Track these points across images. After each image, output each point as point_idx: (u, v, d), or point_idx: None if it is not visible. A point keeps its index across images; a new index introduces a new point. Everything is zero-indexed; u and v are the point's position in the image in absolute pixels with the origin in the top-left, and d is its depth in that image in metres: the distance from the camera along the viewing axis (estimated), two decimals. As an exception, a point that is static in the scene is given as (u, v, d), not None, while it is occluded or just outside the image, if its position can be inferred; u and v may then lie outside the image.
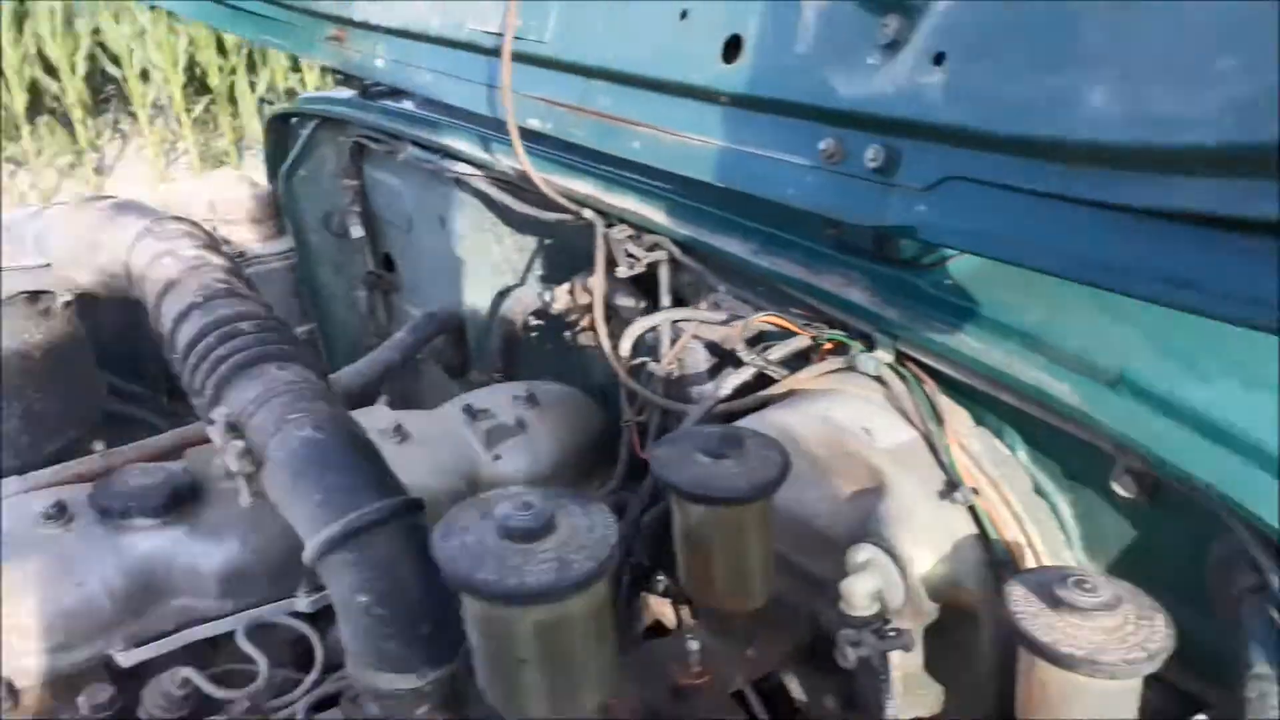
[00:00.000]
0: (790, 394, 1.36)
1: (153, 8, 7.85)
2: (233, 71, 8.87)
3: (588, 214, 1.71)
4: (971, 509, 1.18)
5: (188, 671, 1.47)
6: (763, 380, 1.42)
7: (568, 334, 1.98)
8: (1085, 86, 0.82)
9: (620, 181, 1.66)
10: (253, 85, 8.99)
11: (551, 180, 1.72)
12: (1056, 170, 0.88)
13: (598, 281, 1.69)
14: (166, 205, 2.13)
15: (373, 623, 1.30)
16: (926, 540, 1.16)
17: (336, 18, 2.22)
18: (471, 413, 1.90)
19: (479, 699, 1.42)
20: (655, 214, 1.58)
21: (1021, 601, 1.01)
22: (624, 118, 1.48)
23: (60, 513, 1.59)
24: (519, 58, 1.63)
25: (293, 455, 1.40)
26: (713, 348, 1.52)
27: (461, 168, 2.04)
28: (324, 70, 8.93)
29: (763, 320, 1.39)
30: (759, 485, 1.11)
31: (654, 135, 1.41)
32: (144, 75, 8.62)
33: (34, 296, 2.12)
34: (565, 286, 1.89)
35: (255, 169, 8.54)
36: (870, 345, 1.28)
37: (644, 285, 1.73)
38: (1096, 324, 1.13)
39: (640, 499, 1.56)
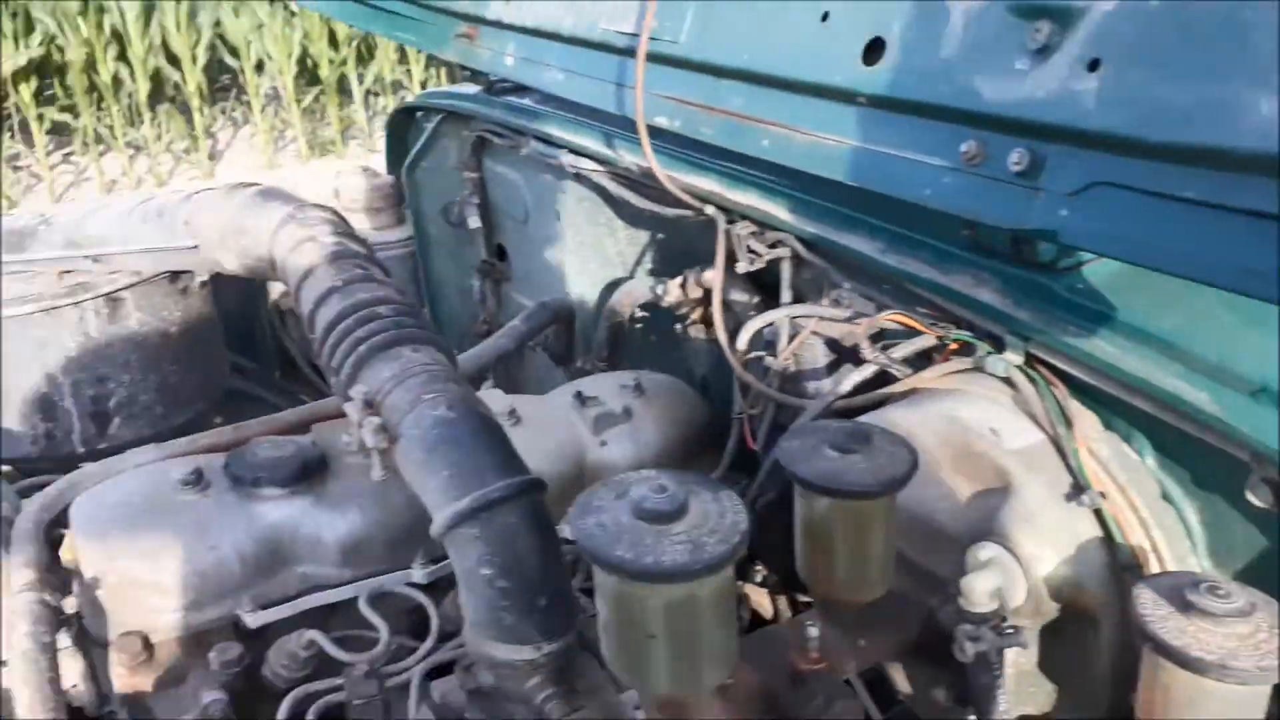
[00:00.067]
0: (911, 392, 1.37)
1: (287, 7, 8.14)
2: (343, 63, 9.14)
3: (709, 210, 1.74)
4: (1097, 512, 1.18)
5: (313, 633, 1.55)
6: (881, 378, 1.43)
7: (677, 327, 2.02)
8: (1252, 94, 0.82)
9: (743, 178, 1.69)
10: (360, 77, 9.25)
11: (675, 177, 1.76)
12: (1215, 178, 0.88)
13: (717, 276, 1.72)
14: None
15: (494, 595, 1.35)
16: (1051, 541, 1.16)
17: (469, 16, 2.30)
18: (581, 399, 1.94)
19: (588, 674, 1.48)
20: (779, 211, 1.60)
21: (1150, 605, 1.01)
22: (755, 117, 1.50)
23: (198, 480, 1.67)
24: (651, 58, 1.67)
25: (425, 433, 1.46)
26: (832, 344, 1.54)
27: (582, 163, 2.10)
28: (428, 64, 9.16)
29: (888, 318, 1.40)
30: (886, 481, 1.13)
31: (786, 134, 1.44)
32: (259, 66, 8.95)
33: (174, 276, 2.23)
34: (677, 280, 1.93)
35: (360, 158, 8.80)
36: (999, 347, 1.29)
37: (758, 281, 1.76)
38: (1237, 333, 1.12)
39: (752, 490, 1.59)
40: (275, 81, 9.05)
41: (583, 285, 2.42)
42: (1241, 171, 0.86)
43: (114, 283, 2.16)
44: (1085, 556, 1.16)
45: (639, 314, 2.22)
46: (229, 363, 2.61)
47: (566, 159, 2.13)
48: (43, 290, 2.14)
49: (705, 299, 1.93)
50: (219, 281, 2.37)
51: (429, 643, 1.56)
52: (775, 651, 1.19)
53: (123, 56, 8.54)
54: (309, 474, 1.69)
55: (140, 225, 2.07)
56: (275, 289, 2.94)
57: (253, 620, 1.59)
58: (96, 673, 1.58)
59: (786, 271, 1.64)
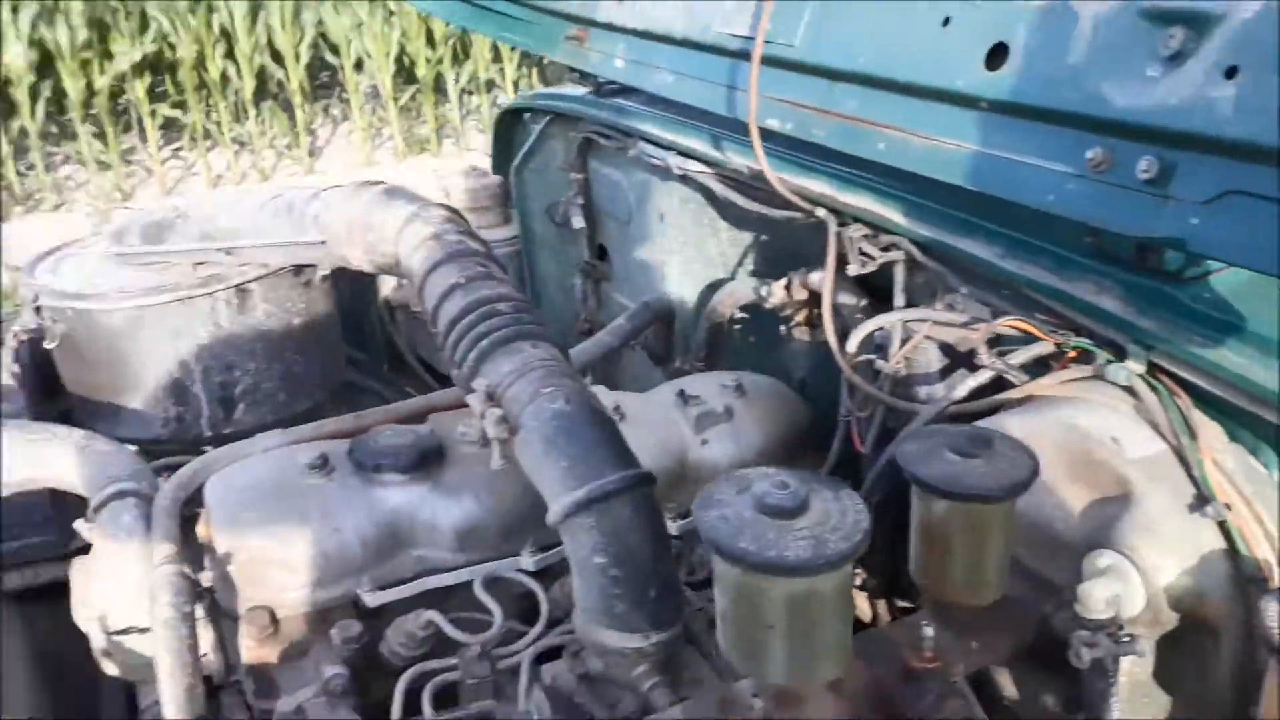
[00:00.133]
0: (1027, 399, 1.37)
1: (386, 6, 8.34)
2: (439, 62, 9.33)
3: (820, 212, 1.75)
4: (1221, 524, 1.17)
5: (432, 614, 1.61)
6: (996, 384, 1.44)
7: (781, 328, 2.03)
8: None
9: (856, 181, 1.69)
10: (455, 76, 9.43)
11: (785, 179, 1.77)
12: (1361, 189, 0.87)
13: (828, 278, 1.73)
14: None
15: (607, 583, 1.39)
16: (1173, 551, 1.16)
17: (580, 18, 2.34)
18: (683, 398, 1.97)
19: (692, 666, 1.51)
20: (893, 214, 1.61)
21: (1278, 618, 1.00)
22: (871, 120, 1.52)
23: (324, 464, 1.74)
24: (764, 60, 1.69)
25: (544, 425, 1.51)
26: (945, 349, 1.54)
27: (689, 164, 2.12)
28: (520, 63, 9.29)
29: (1006, 324, 1.40)
30: (1007, 486, 1.14)
31: (903, 138, 1.45)
32: (358, 65, 9.18)
33: (299, 270, 2.33)
34: (782, 282, 1.95)
35: (453, 156, 8.97)
36: (1120, 355, 1.28)
37: (866, 284, 1.77)
38: (1373, 346, 1.10)
39: (861, 493, 1.60)
40: (374, 80, 9.28)
41: (683, 286, 2.46)
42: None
43: (244, 275, 2.26)
44: (1208, 568, 1.16)
45: (738, 315, 2.24)
46: (345, 355, 2.71)
47: (673, 160, 2.16)
48: (178, 281, 2.25)
49: (810, 301, 1.94)
50: (334, 277, 2.46)
51: (538, 627, 1.61)
52: (887, 650, 1.21)
53: (230, 54, 8.86)
54: (427, 462, 1.76)
55: (271, 220, 2.17)
56: (385, 285, 3.03)
57: (371, 600, 1.66)
58: (225, 644, 1.67)
59: (900, 275, 1.65)
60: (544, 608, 1.63)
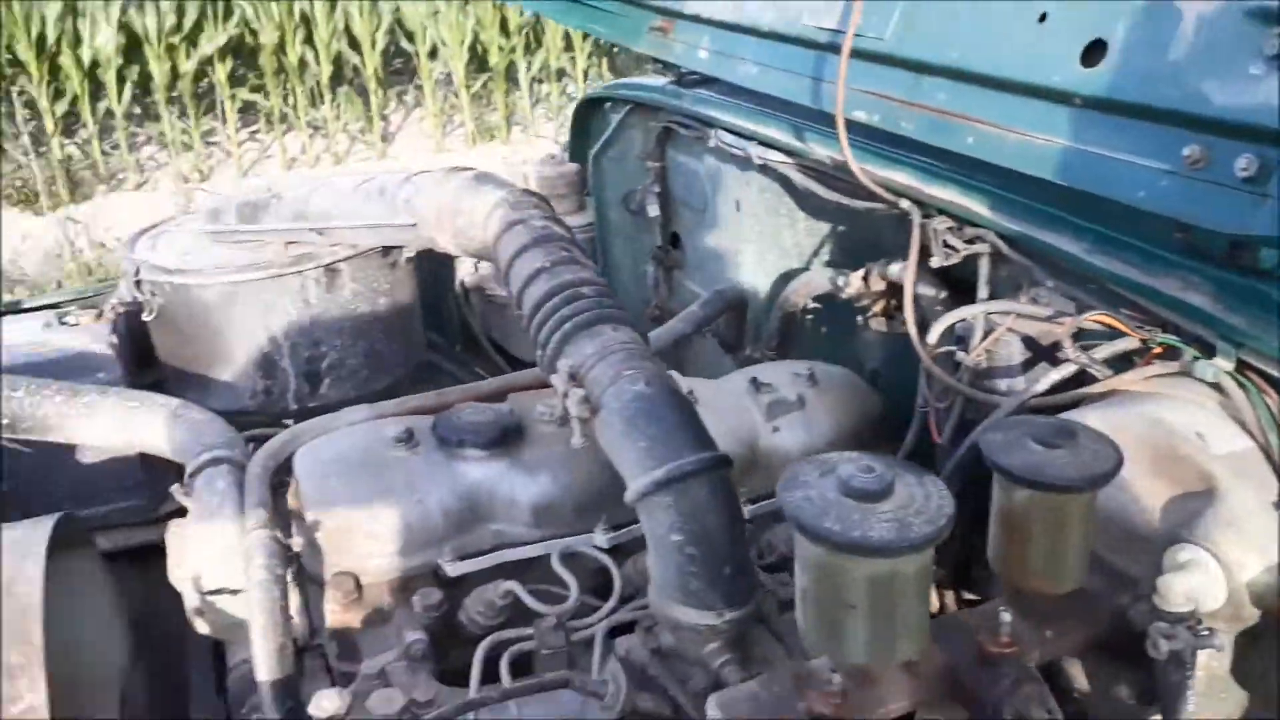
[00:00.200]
0: (1110, 393, 1.37)
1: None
2: (512, 51, 9.41)
3: (904, 204, 1.76)
4: (1309, 524, 1.17)
5: (511, 584, 1.66)
6: (1078, 378, 1.44)
7: (856, 319, 2.04)
8: None
9: (941, 174, 1.70)
10: (528, 65, 9.51)
11: (869, 170, 1.79)
12: None
13: (910, 270, 1.74)
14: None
15: (683, 560, 1.43)
16: (1257, 547, 1.16)
17: (666, 10, 2.37)
18: (755, 385, 1.99)
19: (763, 645, 1.53)
20: (980, 207, 1.61)
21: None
22: (960, 113, 1.52)
23: (409, 438, 1.80)
24: (853, 53, 1.70)
25: (625, 406, 1.55)
26: (1028, 342, 1.55)
27: (770, 154, 2.14)
28: (591, 52, 9.33)
29: (1091, 319, 1.40)
30: (1089, 478, 1.15)
31: (995, 132, 1.45)
32: (433, 52, 9.30)
33: (385, 251, 2.40)
34: (859, 273, 1.96)
35: (522, 144, 9.05)
36: (1208, 351, 1.28)
37: (946, 277, 1.77)
38: None
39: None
40: (447, 67, 9.40)
41: (757, 275, 2.48)
42: None
43: (334, 255, 2.34)
44: (1291, 565, 1.15)
45: (811, 305, 2.25)
46: (424, 335, 2.77)
47: (754, 150, 2.18)
48: (271, 259, 2.34)
49: (887, 292, 1.95)
50: (416, 261, 2.52)
51: (612, 602, 1.65)
52: (964, 634, 1.22)
53: (309, 40, 9.04)
54: (507, 439, 1.81)
55: (363, 203, 2.24)
56: (463, 269, 3.10)
57: (452, 570, 1.71)
58: (310, 608, 1.73)
59: (985, 268, 1.65)
60: (617, 583, 1.67)
